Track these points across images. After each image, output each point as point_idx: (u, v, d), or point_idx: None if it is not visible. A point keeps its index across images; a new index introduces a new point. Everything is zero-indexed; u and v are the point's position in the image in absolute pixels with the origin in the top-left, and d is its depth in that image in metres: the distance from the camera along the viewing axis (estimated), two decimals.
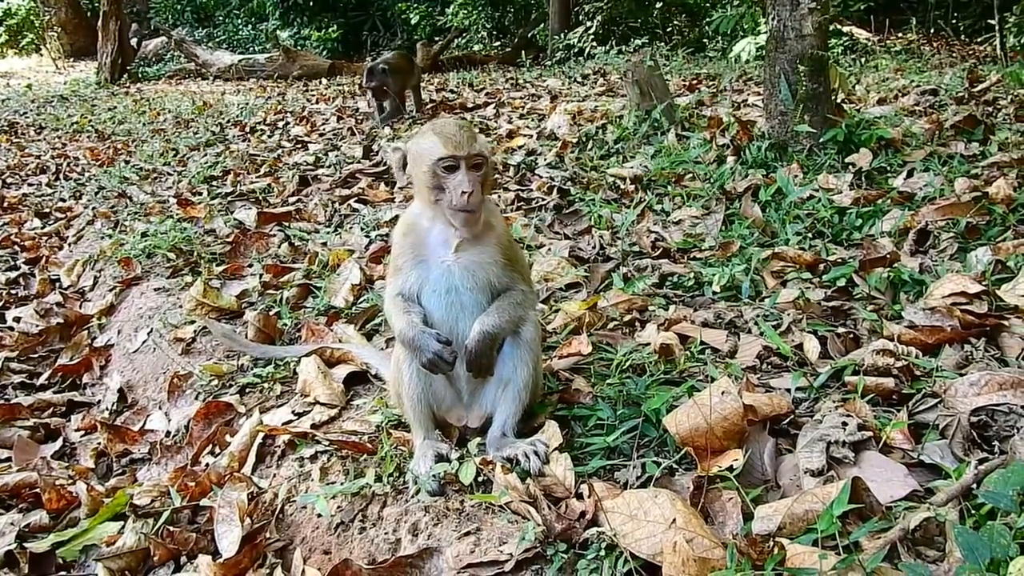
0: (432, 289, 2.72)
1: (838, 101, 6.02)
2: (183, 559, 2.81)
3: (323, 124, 9.97)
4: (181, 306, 4.49)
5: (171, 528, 2.86)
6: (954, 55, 13.10)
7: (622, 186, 5.70)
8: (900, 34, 15.72)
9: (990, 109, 6.78)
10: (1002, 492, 2.03)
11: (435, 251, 2.70)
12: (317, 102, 12.41)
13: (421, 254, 2.72)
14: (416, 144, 2.70)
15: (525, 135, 7.78)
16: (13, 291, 5.75)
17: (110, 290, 5.16)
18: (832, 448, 2.47)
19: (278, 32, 21.41)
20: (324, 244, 5.22)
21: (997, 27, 11.90)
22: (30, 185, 8.71)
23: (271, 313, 4.19)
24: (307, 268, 4.78)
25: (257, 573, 2.64)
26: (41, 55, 25.30)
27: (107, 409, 4.07)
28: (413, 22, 19.97)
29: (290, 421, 3.24)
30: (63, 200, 7.85)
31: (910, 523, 2.10)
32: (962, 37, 15.24)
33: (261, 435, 3.17)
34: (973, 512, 2.13)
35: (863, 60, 11.96)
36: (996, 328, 3.12)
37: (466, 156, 2.56)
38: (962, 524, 2.06)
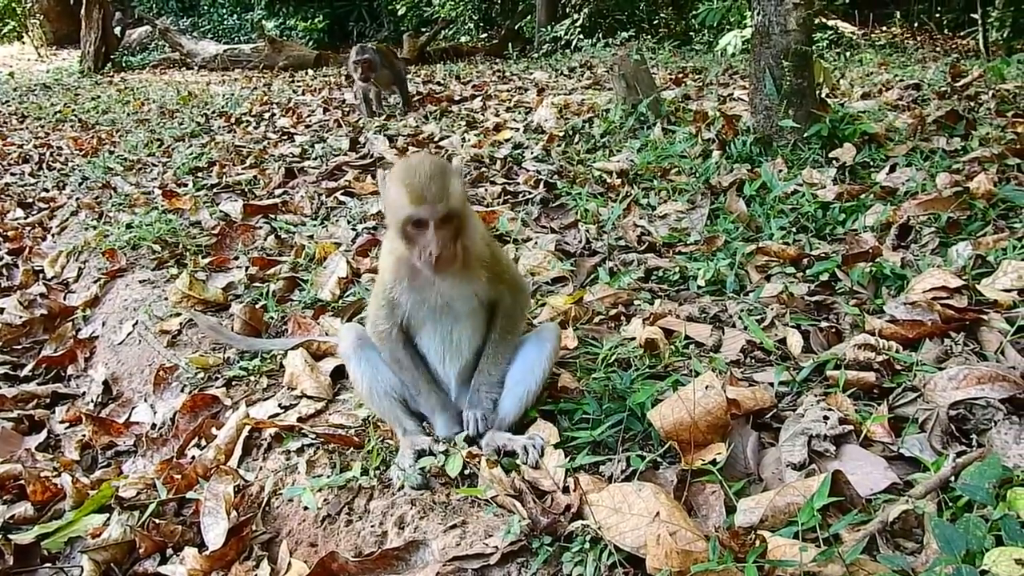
0: (425, 312, 2.77)
1: (822, 96, 6.06)
2: (169, 551, 2.81)
3: (309, 115, 9.92)
4: (166, 298, 4.48)
5: (157, 520, 2.87)
6: (937, 49, 13.19)
7: (608, 180, 5.72)
8: (884, 28, 15.82)
9: (972, 104, 6.83)
10: (978, 485, 2.07)
11: (425, 274, 2.66)
12: (303, 93, 12.34)
13: (410, 276, 2.70)
14: (388, 191, 2.61)
15: (512, 128, 7.78)
16: None
17: (95, 281, 5.13)
18: (814, 442, 2.51)
19: (264, 22, 21.26)
20: (311, 237, 5.21)
21: (980, 21, 11.98)
22: (12, 175, 8.62)
23: (257, 306, 4.19)
24: (293, 261, 4.77)
25: (243, 565, 2.65)
26: (23, 43, 24.99)
27: (92, 401, 4.05)
28: (400, 13, 19.89)
29: (277, 414, 3.24)
30: (46, 190, 7.78)
31: (889, 515, 2.14)
32: (945, 31, 15.33)
33: (247, 428, 3.17)
34: (950, 504, 2.17)
35: (848, 54, 12.02)
36: (975, 322, 3.17)
37: (434, 217, 2.46)
38: (939, 516, 2.09)
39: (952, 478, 2.23)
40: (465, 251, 2.61)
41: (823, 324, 3.42)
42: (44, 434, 3.84)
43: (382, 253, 2.86)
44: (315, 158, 7.35)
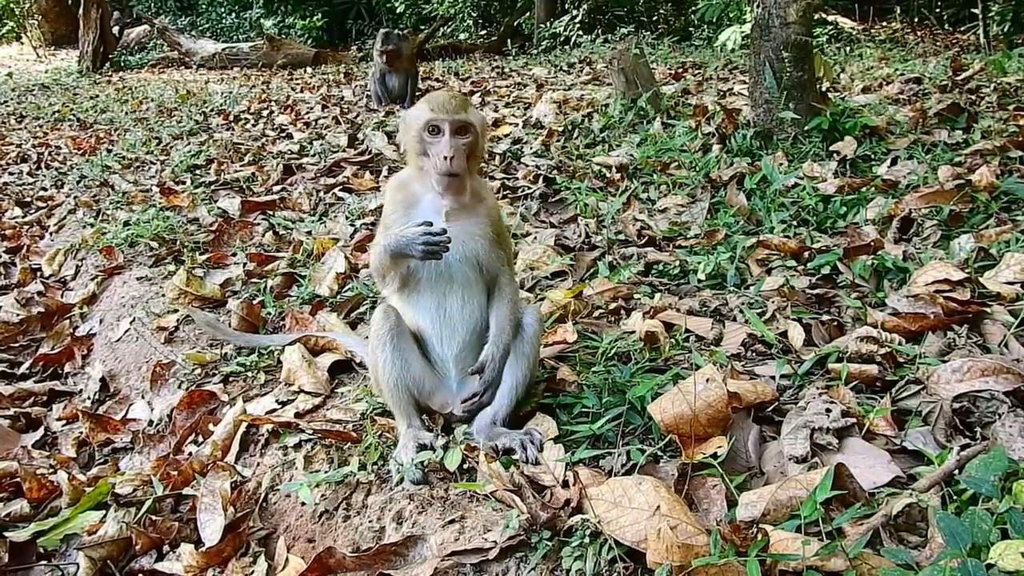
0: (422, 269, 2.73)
1: (823, 89, 6.03)
2: (165, 548, 2.80)
3: (308, 113, 9.90)
4: (164, 295, 4.46)
5: (153, 517, 2.85)
6: (938, 44, 13.15)
7: (608, 174, 5.69)
8: (884, 23, 15.79)
9: (973, 97, 6.79)
10: (983, 478, 2.04)
11: (425, 215, 2.69)
12: (302, 91, 12.32)
13: (411, 215, 2.72)
14: (409, 112, 2.76)
15: (511, 124, 7.75)
16: None
17: (92, 279, 5.12)
18: (816, 435, 2.49)
19: (262, 20, 21.24)
20: (309, 233, 5.19)
21: (980, 16, 11.96)
22: (11, 174, 8.60)
23: (255, 302, 4.17)
24: (291, 257, 4.75)
25: (240, 561, 2.63)
26: (22, 43, 24.96)
27: (89, 398, 4.04)
28: (398, 11, 19.86)
29: (274, 410, 3.23)
30: (44, 189, 7.77)
31: (893, 509, 2.11)
32: (945, 26, 15.31)
33: (245, 424, 3.15)
34: (955, 498, 2.15)
35: (848, 49, 11.99)
36: (978, 315, 3.14)
37: (451, 121, 2.60)
38: (944, 510, 2.07)
39: (956, 471, 2.21)
40: (473, 184, 2.73)
41: (824, 317, 3.39)
42: (41, 431, 3.84)
43: (385, 200, 2.86)
44: (313, 155, 7.32)
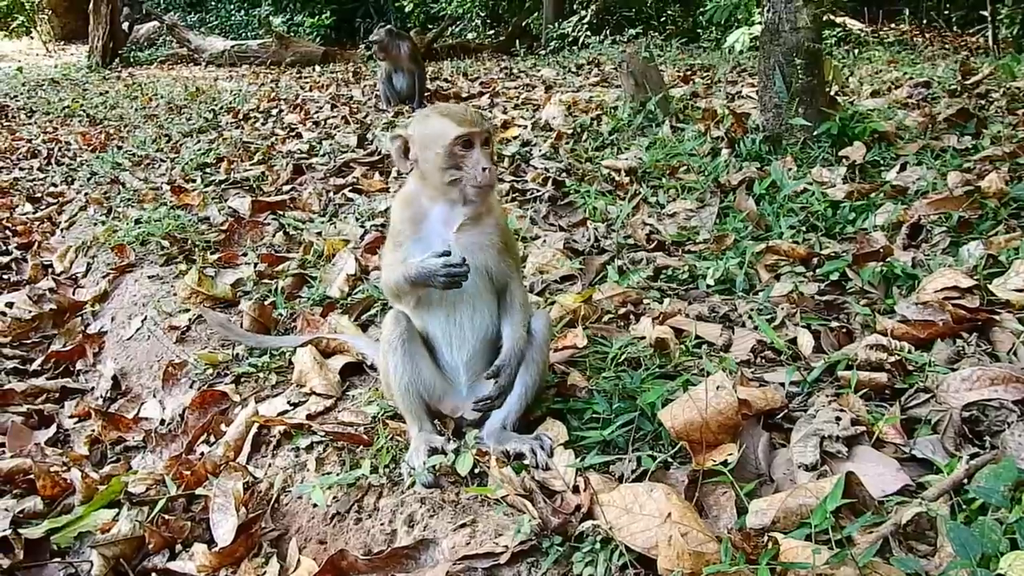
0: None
1: (832, 94, 6.03)
2: (178, 547, 2.82)
3: (317, 112, 9.92)
4: (175, 294, 4.48)
5: (166, 516, 2.87)
6: (946, 47, 13.13)
7: (617, 178, 5.71)
8: (893, 25, 15.77)
9: (982, 102, 6.79)
10: (993, 487, 2.06)
11: (435, 229, 2.72)
12: (311, 89, 12.34)
13: (421, 231, 2.74)
14: (423, 127, 2.72)
15: (520, 126, 7.76)
16: (5, 276, 5.73)
17: (103, 277, 5.14)
18: (825, 443, 2.50)
19: (271, 18, 21.23)
20: (319, 234, 5.21)
21: (989, 18, 11.92)
22: (21, 169, 8.65)
23: (266, 303, 4.19)
24: (302, 258, 4.77)
25: (252, 562, 2.65)
26: (32, 38, 25.02)
27: (101, 396, 4.06)
28: (407, 10, 19.85)
29: (286, 411, 3.25)
30: (55, 185, 7.80)
31: (902, 518, 2.13)
32: (954, 28, 15.28)
33: (256, 425, 3.17)
34: (964, 507, 2.16)
35: (856, 51, 11.97)
36: (987, 323, 3.15)
37: (481, 133, 2.62)
38: (953, 519, 2.08)
39: (965, 480, 2.22)
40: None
41: (834, 324, 3.40)
42: (53, 429, 3.85)
43: (393, 217, 2.86)
44: (323, 155, 7.35)
